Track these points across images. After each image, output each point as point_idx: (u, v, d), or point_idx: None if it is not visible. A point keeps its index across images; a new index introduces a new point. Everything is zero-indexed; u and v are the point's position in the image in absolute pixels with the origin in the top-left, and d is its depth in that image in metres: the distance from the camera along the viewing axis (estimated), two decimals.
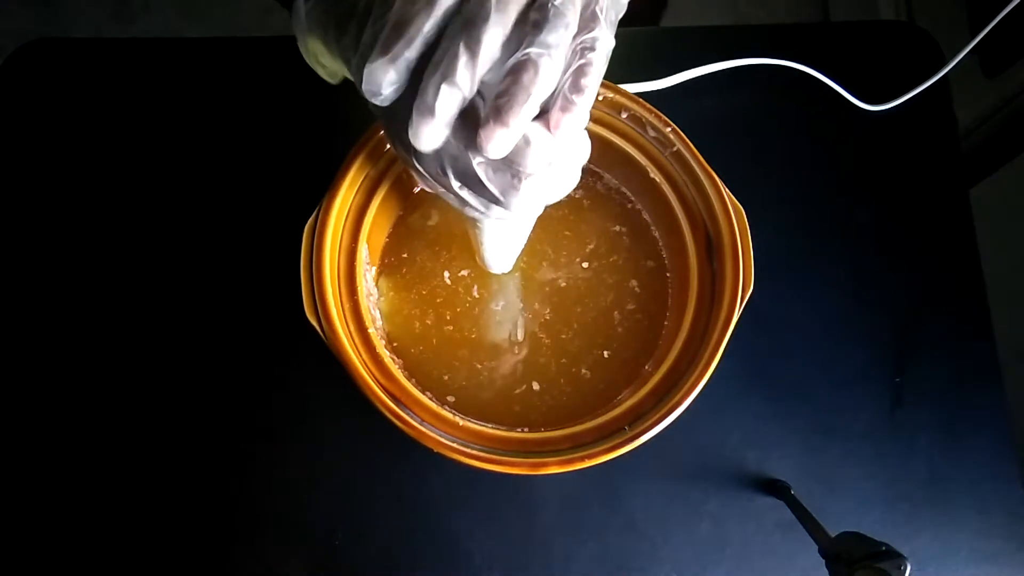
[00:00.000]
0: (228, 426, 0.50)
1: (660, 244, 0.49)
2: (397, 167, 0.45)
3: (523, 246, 0.44)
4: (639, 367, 0.46)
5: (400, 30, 0.27)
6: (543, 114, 0.28)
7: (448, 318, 0.48)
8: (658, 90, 0.56)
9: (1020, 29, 0.54)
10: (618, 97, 0.45)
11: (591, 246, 0.50)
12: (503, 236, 0.41)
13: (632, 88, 0.54)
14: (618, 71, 0.54)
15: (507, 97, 0.26)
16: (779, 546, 0.49)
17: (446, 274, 0.49)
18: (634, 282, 0.49)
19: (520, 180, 0.29)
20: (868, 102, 0.57)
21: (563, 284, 0.49)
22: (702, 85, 0.57)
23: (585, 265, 0.49)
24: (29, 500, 0.49)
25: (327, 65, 0.34)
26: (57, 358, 0.51)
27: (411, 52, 0.27)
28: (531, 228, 0.42)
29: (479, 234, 0.40)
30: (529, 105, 0.26)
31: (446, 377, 0.47)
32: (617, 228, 0.50)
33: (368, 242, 0.45)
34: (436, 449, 0.39)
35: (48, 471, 0.49)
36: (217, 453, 0.50)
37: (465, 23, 0.26)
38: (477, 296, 0.48)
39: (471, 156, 0.28)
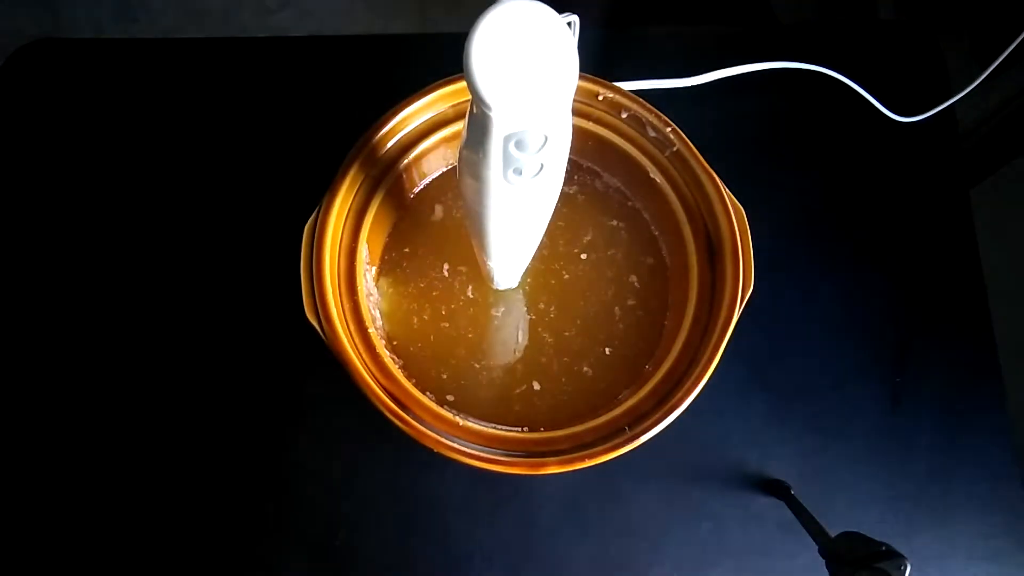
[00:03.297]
0: (226, 426, 0.50)
1: (659, 242, 0.49)
2: (397, 168, 0.45)
3: (527, 263, 0.44)
4: (639, 366, 0.46)
5: None
6: None
7: (443, 313, 0.48)
8: (667, 89, 0.56)
9: (1020, 30, 0.54)
10: (618, 97, 0.45)
11: (588, 238, 0.50)
12: (510, 255, 0.41)
13: (647, 85, 0.54)
14: (632, 70, 0.54)
15: None
16: (779, 546, 0.49)
17: (445, 267, 0.49)
18: (633, 278, 0.49)
19: None
20: (879, 99, 0.57)
21: (566, 276, 0.49)
22: (704, 86, 0.57)
23: (584, 256, 0.49)
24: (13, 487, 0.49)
25: None
26: (55, 355, 0.51)
27: None
28: (536, 246, 0.42)
29: (486, 257, 0.40)
30: None
31: (445, 376, 0.46)
32: (614, 223, 0.50)
33: (368, 242, 0.45)
34: (436, 449, 0.39)
35: (41, 459, 0.50)
36: (214, 453, 0.50)
37: None
38: (472, 296, 0.48)
39: None
